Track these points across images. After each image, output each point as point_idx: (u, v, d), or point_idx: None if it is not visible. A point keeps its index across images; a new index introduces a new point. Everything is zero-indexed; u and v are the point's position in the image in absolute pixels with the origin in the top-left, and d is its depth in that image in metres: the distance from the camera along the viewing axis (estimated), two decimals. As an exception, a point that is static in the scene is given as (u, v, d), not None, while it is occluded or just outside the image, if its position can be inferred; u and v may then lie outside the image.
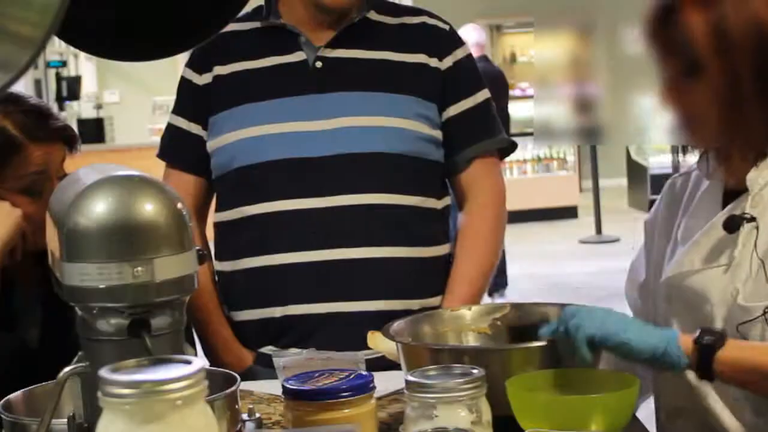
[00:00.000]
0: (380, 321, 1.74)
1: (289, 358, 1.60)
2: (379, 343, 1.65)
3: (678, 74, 1.46)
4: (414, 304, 1.98)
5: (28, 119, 1.77)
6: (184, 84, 2.14)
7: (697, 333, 1.38)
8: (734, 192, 1.54)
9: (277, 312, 1.99)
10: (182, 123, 2.13)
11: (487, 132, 2.13)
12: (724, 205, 1.55)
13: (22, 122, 1.76)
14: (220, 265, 2.10)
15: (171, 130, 2.16)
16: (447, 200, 2.12)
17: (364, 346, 1.75)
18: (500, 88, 7.19)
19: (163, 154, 2.19)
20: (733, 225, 1.49)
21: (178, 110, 2.15)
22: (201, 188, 2.14)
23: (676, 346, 1.37)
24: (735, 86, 1.42)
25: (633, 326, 1.40)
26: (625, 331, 1.38)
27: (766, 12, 1.41)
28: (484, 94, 2.14)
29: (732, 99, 1.42)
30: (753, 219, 1.48)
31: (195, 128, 2.12)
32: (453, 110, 2.09)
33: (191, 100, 2.13)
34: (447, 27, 2.16)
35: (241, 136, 2.04)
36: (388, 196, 2.00)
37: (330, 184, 1.99)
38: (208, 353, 2.10)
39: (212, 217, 2.14)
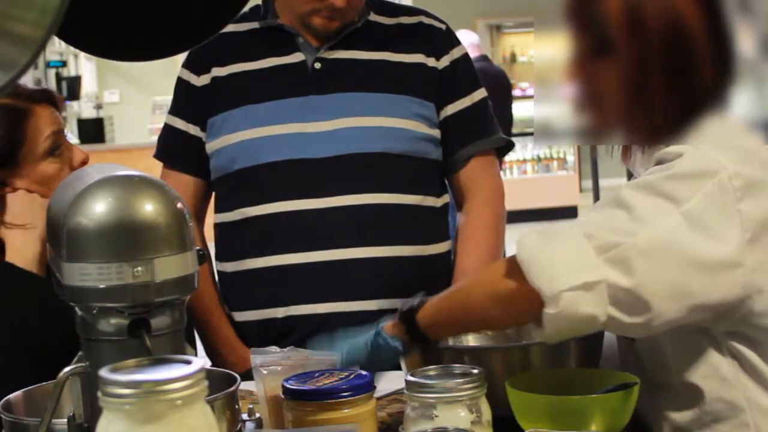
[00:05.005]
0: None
1: (266, 357, 1.58)
2: None
3: (589, 51, 1.46)
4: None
5: (18, 89, 1.78)
6: (182, 85, 2.14)
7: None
8: None
9: (280, 312, 1.99)
10: (180, 124, 2.13)
11: (484, 131, 2.13)
12: None
13: (17, 92, 1.77)
14: (221, 266, 2.10)
15: (168, 131, 2.16)
16: (446, 198, 2.12)
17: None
18: (502, 87, 7.17)
19: (160, 155, 2.19)
20: None
21: (175, 111, 2.15)
22: (199, 189, 2.14)
23: (382, 337, 1.52)
24: (643, 71, 1.42)
25: (348, 346, 1.56)
26: (349, 354, 1.55)
27: (683, 1, 1.41)
28: (480, 93, 2.14)
29: (638, 83, 1.42)
30: None
31: (193, 129, 2.11)
32: (450, 109, 2.10)
33: (189, 102, 2.12)
34: (443, 26, 2.16)
35: (240, 138, 2.04)
36: (387, 195, 2.01)
37: (330, 185, 1.99)
38: (211, 354, 2.10)
39: (212, 217, 2.14)
